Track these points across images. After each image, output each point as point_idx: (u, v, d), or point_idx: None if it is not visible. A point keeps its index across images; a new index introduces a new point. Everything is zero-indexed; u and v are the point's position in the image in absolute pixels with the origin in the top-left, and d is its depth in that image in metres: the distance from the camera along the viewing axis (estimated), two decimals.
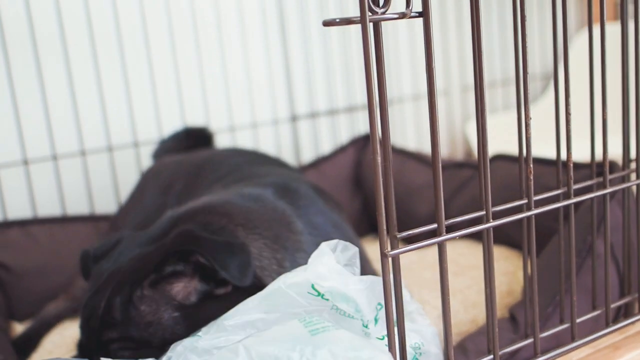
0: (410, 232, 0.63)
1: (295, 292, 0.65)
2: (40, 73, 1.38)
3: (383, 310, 0.66)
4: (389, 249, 0.60)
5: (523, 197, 0.71)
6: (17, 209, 1.38)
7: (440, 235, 0.62)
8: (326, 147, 1.72)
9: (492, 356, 0.70)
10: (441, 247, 0.63)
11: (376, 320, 0.66)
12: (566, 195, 0.74)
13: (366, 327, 0.64)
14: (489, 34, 1.96)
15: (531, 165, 0.67)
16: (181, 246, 0.75)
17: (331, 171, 1.61)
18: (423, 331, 0.68)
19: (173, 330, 0.73)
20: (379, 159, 0.57)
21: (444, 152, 1.94)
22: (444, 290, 0.63)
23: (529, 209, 0.69)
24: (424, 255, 1.25)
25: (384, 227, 0.58)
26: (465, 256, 1.17)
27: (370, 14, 0.55)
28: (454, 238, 0.63)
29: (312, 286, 0.64)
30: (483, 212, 0.66)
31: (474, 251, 1.20)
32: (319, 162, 1.61)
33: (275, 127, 1.66)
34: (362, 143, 1.69)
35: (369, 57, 0.55)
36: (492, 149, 1.41)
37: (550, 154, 0.85)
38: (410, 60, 1.83)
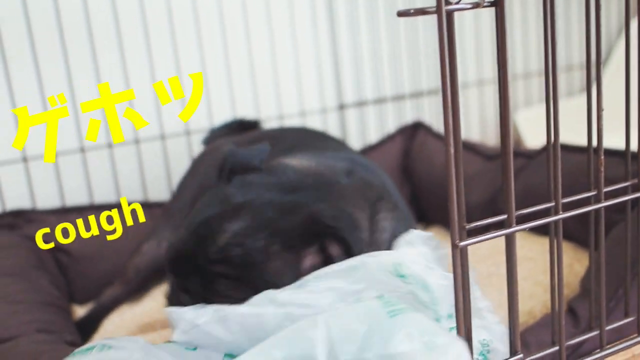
0: (479, 223, 0.63)
1: (378, 268, 0.66)
2: (96, 62, 1.41)
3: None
4: (459, 240, 0.60)
5: (591, 189, 0.70)
6: (75, 196, 1.41)
7: (510, 226, 0.62)
8: (373, 136, 1.72)
9: (557, 347, 0.69)
10: (510, 238, 0.62)
11: (449, 316, 0.66)
12: (635, 188, 0.72)
13: (438, 320, 0.64)
14: (525, 23, 1.92)
15: (602, 156, 0.66)
16: (333, 233, 0.76)
17: (378, 160, 1.60)
18: (492, 328, 0.67)
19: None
20: (452, 150, 0.57)
21: (493, 141, 1.92)
22: (512, 282, 0.63)
23: (598, 201, 0.68)
24: (477, 248, 1.24)
25: (455, 218, 0.58)
26: (520, 248, 1.15)
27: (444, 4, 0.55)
28: (523, 229, 0.62)
29: (397, 266, 0.65)
30: (552, 204, 0.66)
31: (529, 243, 1.19)
32: (367, 151, 1.61)
33: (323, 116, 1.67)
34: (409, 132, 1.69)
35: (444, 47, 0.54)
36: (541, 140, 1.39)
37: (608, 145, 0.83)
38: (459, 49, 1.81)
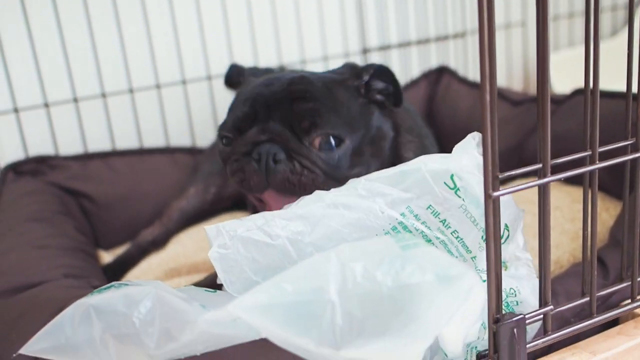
0: (512, 172, 0.61)
1: (432, 177, 0.64)
2: (144, 8, 1.38)
3: (507, 233, 0.65)
4: (492, 190, 0.58)
5: (628, 137, 0.68)
6: (97, 142, 1.41)
7: (544, 176, 0.60)
8: None
9: (587, 298, 0.68)
10: (545, 188, 0.61)
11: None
12: None
13: (483, 239, 0.63)
14: None
15: None
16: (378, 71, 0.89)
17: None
18: (524, 281, 0.66)
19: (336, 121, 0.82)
20: (487, 97, 0.55)
21: (519, 86, 1.87)
22: (545, 233, 0.62)
23: (635, 149, 0.66)
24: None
25: (489, 168, 0.56)
26: None
27: None
28: (558, 180, 0.60)
29: (451, 177, 0.63)
30: (588, 153, 0.63)
31: (555, 191, 1.17)
32: None
33: (347, 60, 1.62)
34: (434, 77, 1.65)
35: None
36: (569, 85, 1.35)
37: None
38: None
